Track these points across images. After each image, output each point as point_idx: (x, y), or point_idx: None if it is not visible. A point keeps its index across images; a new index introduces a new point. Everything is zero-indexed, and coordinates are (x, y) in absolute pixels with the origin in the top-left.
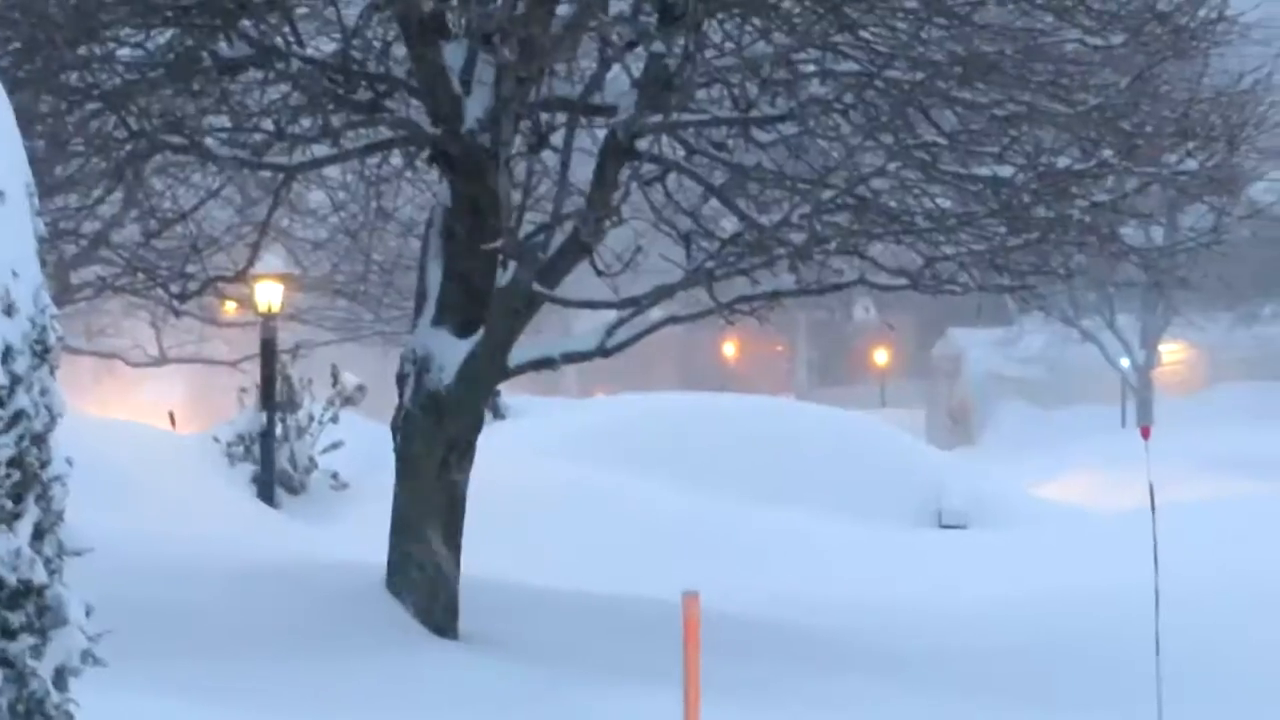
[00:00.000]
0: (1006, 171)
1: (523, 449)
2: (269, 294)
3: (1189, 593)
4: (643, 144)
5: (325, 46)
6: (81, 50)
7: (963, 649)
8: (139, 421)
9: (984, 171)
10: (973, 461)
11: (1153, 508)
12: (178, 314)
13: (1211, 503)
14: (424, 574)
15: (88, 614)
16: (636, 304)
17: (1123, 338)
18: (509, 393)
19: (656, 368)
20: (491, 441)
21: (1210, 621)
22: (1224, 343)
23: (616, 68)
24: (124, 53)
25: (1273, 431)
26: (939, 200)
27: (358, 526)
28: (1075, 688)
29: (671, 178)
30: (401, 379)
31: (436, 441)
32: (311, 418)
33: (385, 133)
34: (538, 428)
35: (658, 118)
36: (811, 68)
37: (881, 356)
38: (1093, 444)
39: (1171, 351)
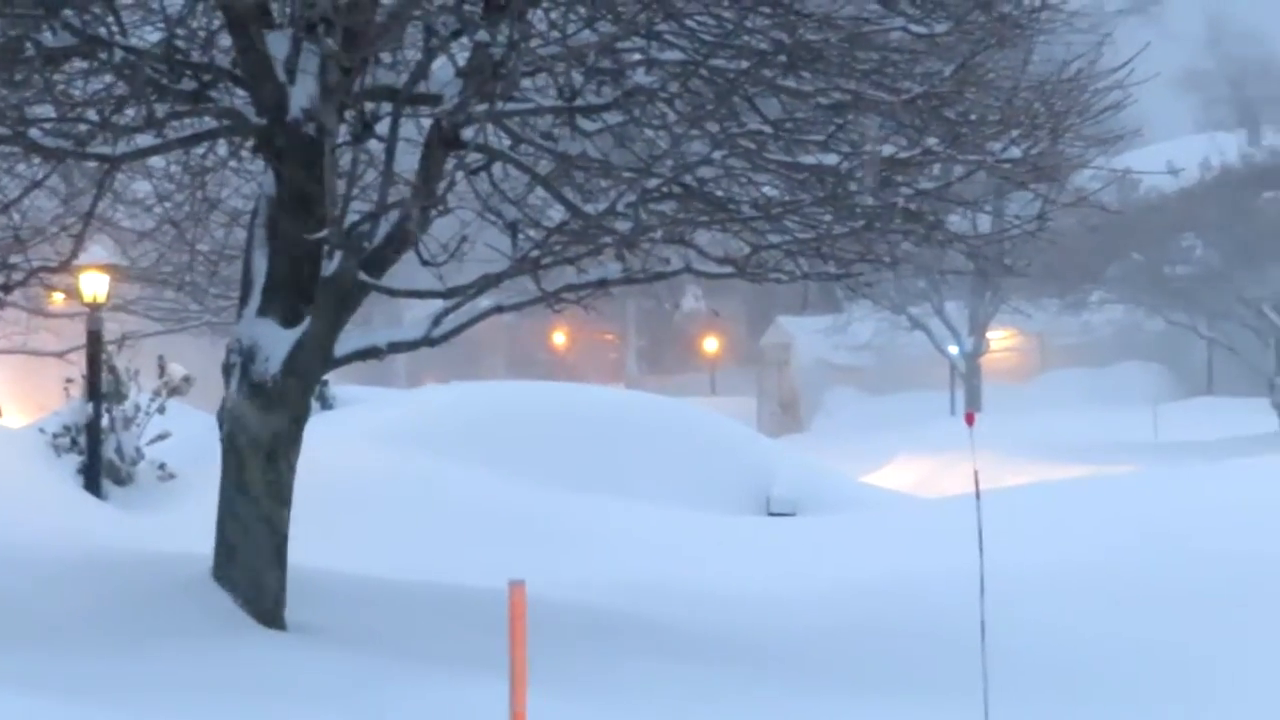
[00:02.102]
0: (832, 159)
1: (350, 438)
2: (94, 285)
3: (1014, 578)
4: (468, 133)
5: (150, 36)
6: None
7: (790, 635)
8: None
9: (809, 160)
10: (802, 449)
11: (977, 494)
12: (2, 305)
13: (1039, 487)
14: (251, 564)
15: None
16: (462, 293)
17: (951, 325)
18: (337, 382)
19: (486, 357)
20: (319, 431)
21: (1035, 606)
22: (1052, 329)
23: (441, 57)
24: None
25: (1100, 417)
26: (765, 188)
27: (185, 517)
28: (901, 673)
29: (497, 167)
30: (228, 369)
31: (263, 431)
32: (138, 408)
33: (210, 122)
34: (366, 417)
35: (483, 107)
36: (637, 56)
37: (711, 345)
38: (922, 431)
39: (1000, 338)
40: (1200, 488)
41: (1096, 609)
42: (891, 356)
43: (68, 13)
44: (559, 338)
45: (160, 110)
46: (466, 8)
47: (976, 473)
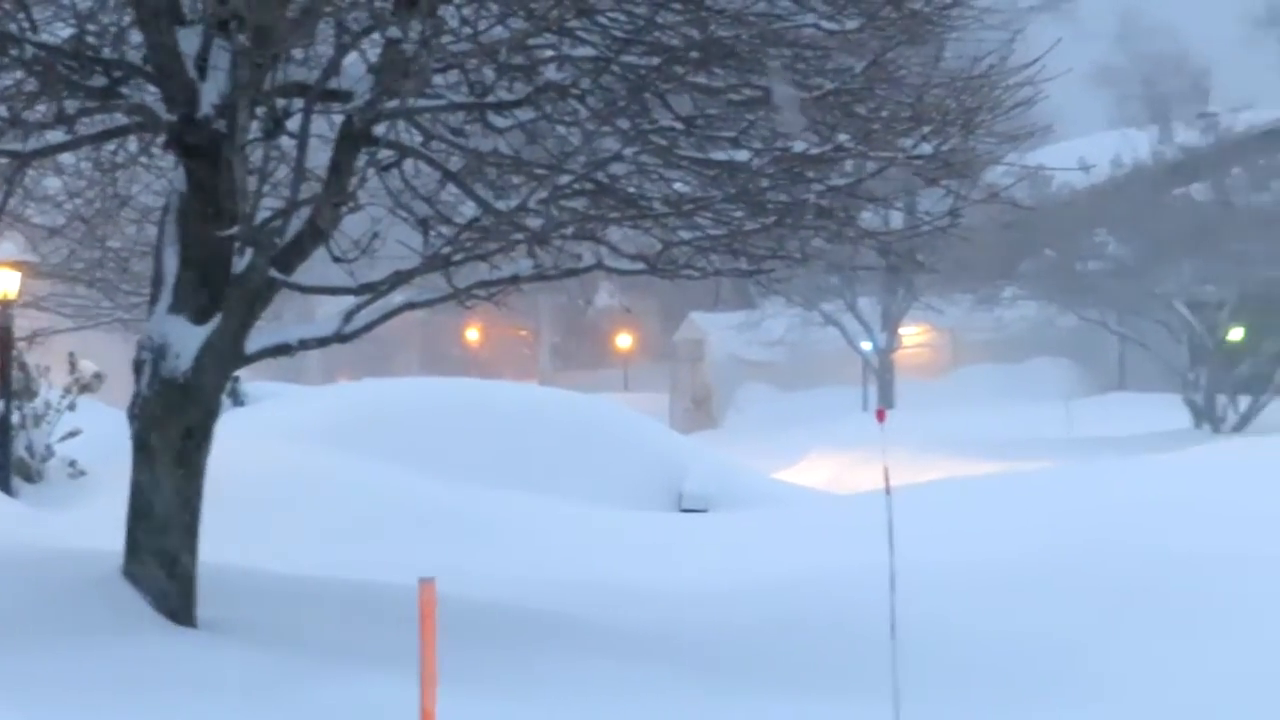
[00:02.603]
0: (743, 156)
1: (262, 435)
2: (5, 281)
3: (926, 574)
4: (379, 130)
5: (60, 32)
6: None
7: (703, 631)
8: None
9: (720, 156)
10: (715, 445)
11: (887, 490)
12: None
13: (951, 483)
14: (161, 561)
15: None
16: (374, 290)
17: (864, 321)
18: (249, 379)
19: (400, 353)
20: (230, 427)
21: (946, 602)
22: (965, 325)
23: (353, 53)
24: None
25: (1013, 412)
26: (677, 185)
27: (96, 514)
28: (812, 669)
29: (409, 163)
30: (138, 366)
31: (174, 428)
32: (49, 405)
33: (121, 119)
34: (278, 414)
35: (394, 103)
36: (548, 53)
37: (625, 341)
38: (835, 427)
39: (913, 335)
40: (1113, 483)
41: (1008, 605)
42: (804, 353)
43: None
44: (472, 334)
45: (71, 106)
46: (378, 4)
47: (886, 469)
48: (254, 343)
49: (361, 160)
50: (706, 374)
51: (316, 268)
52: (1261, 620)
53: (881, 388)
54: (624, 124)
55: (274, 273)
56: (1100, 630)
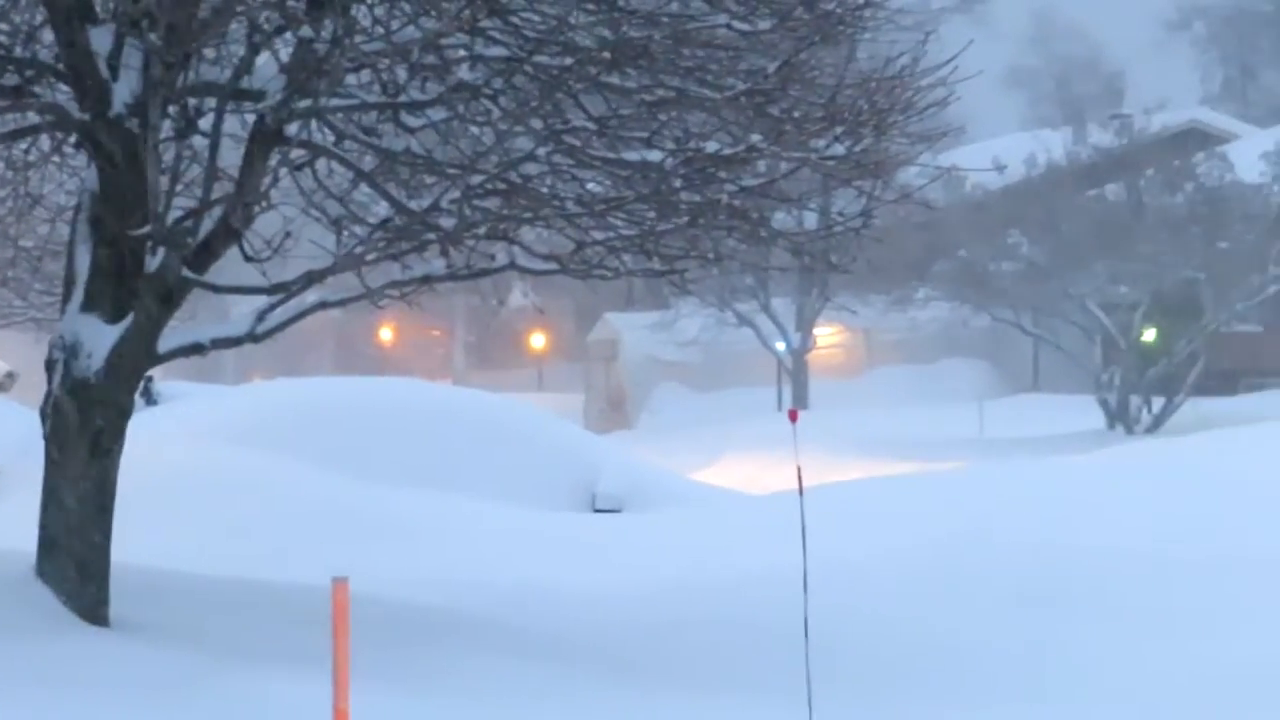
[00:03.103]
0: (655, 156)
1: (175, 435)
2: None
3: (839, 574)
4: (292, 129)
5: None
6: None
7: (617, 631)
8: None
9: (633, 156)
10: (629, 445)
11: (800, 491)
12: None
13: (865, 483)
14: (74, 560)
15: None
16: (286, 289)
17: (778, 321)
18: (163, 378)
19: (314, 353)
20: (144, 427)
21: (860, 602)
22: (879, 326)
23: (265, 53)
24: None
25: (926, 413)
26: (589, 185)
27: (8, 513)
28: (725, 669)
29: (321, 163)
30: (50, 365)
31: (86, 427)
32: None
33: (33, 118)
34: (191, 413)
35: (306, 103)
36: (461, 53)
37: (539, 341)
38: (749, 427)
39: (827, 335)
40: (1025, 484)
41: (922, 605)
42: (719, 353)
43: None
44: (386, 334)
45: None
46: (290, 3)
47: (799, 469)
48: (167, 342)
49: (274, 160)
50: (621, 374)
51: (229, 267)
52: (1171, 619)
53: (796, 388)
54: (537, 124)
55: (186, 272)
56: (1012, 628)
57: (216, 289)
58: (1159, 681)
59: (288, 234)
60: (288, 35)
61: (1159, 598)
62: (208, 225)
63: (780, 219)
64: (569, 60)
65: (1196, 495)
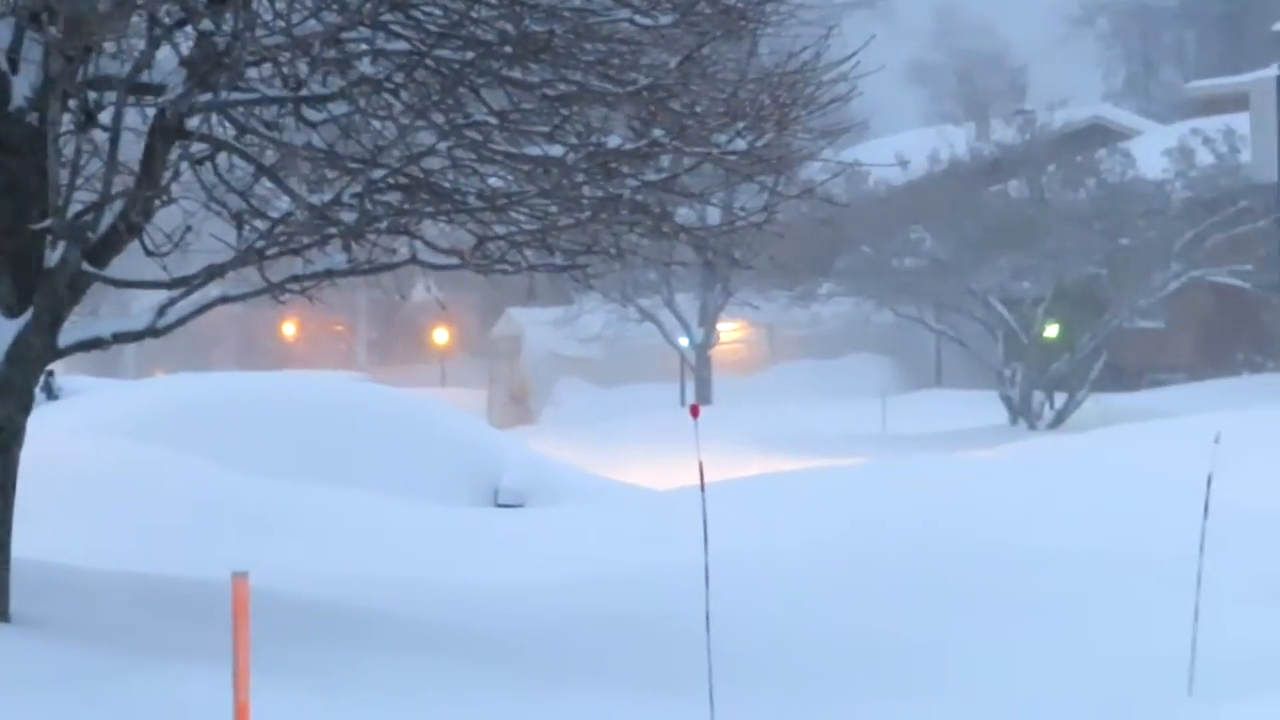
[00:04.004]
0: (557, 151)
1: (76, 429)
2: None
3: (741, 569)
4: (193, 123)
5: None
6: None
7: (519, 626)
8: None
9: (535, 151)
10: (532, 440)
11: (702, 486)
12: None
13: (768, 479)
14: None
15: None
16: (187, 284)
17: (681, 317)
18: (64, 373)
19: (216, 347)
20: (44, 421)
21: (761, 597)
22: (782, 322)
23: (166, 46)
24: None
25: (829, 409)
26: (491, 180)
27: None
28: (627, 665)
29: (222, 157)
30: None
31: None
32: None
33: None
34: (92, 408)
35: (207, 97)
36: (363, 46)
37: (441, 336)
38: (652, 422)
39: (730, 331)
40: (928, 479)
41: (824, 600)
42: (622, 348)
43: None
44: (289, 328)
45: None
46: None
47: (701, 464)
48: (67, 337)
49: (175, 154)
50: (524, 369)
51: (130, 261)
52: (1070, 612)
53: (699, 384)
54: (438, 118)
55: (87, 266)
56: (914, 622)
57: (117, 283)
58: (1059, 673)
59: (189, 228)
60: (188, 29)
61: (1060, 591)
62: (108, 219)
63: (683, 214)
64: (471, 54)
65: (1098, 491)
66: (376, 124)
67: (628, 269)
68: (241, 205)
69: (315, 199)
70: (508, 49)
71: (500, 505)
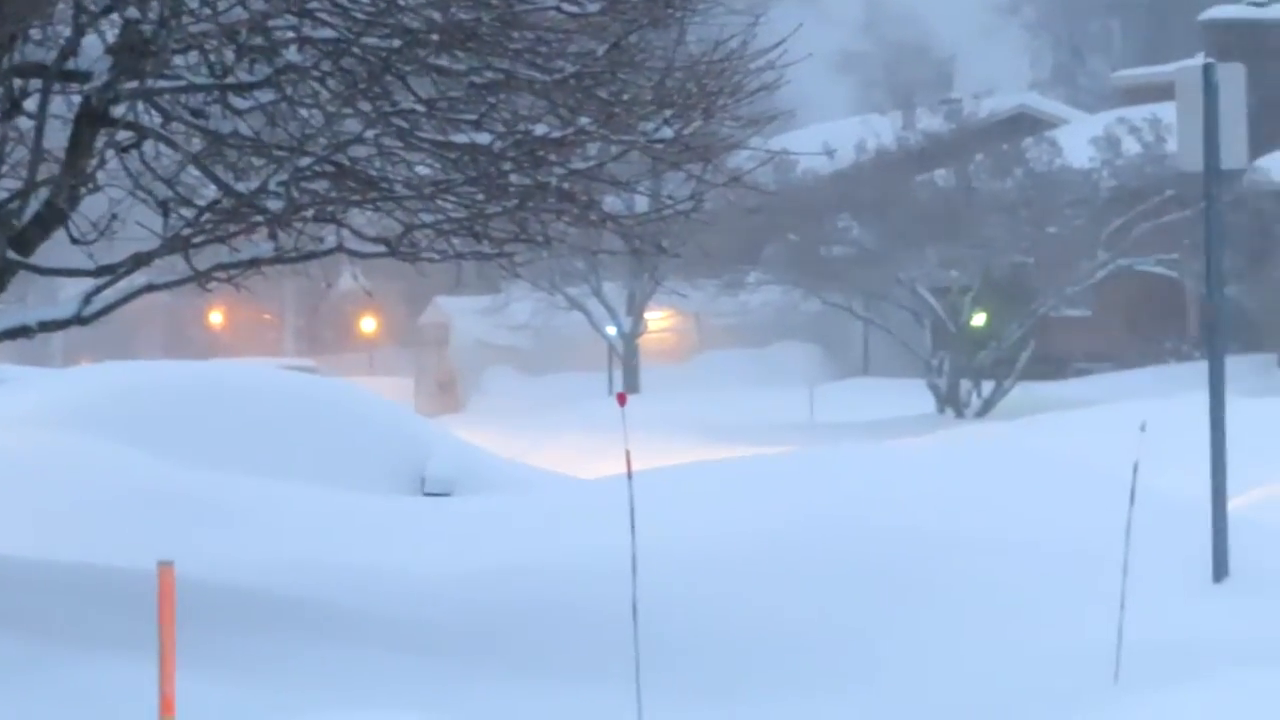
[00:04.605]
0: (484, 139)
1: (2, 418)
2: None
3: (670, 558)
4: (119, 110)
5: None
6: None
7: (447, 614)
8: None
9: (462, 139)
10: (460, 429)
11: (629, 474)
12: None
13: (696, 467)
14: None
15: None
16: (113, 272)
17: (609, 305)
18: None
19: (143, 336)
20: None
21: (689, 585)
22: (710, 310)
23: (91, 33)
24: None
25: (758, 397)
26: (418, 168)
27: None
28: (555, 653)
29: (148, 145)
30: None
31: None
32: None
33: None
34: (17, 396)
35: (133, 84)
36: (289, 34)
37: (370, 324)
38: (580, 411)
39: (658, 319)
40: (856, 467)
41: (753, 588)
42: (550, 337)
43: None
44: (216, 317)
45: None
46: None
47: (628, 453)
48: None
49: (101, 141)
50: (451, 358)
51: (56, 249)
52: (998, 600)
53: (627, 372)
54: (365, 106)
55: (12, 254)
56: (843, 611)
57: (42, 271)
58: (986, 661)
59: (114, 216)
60: (114, 16)
61: (987, 579)
62: (34, 207)
63: (610, 202)
64: (397, 42)
65: (1025, 479)
66: (303, 112)
67: (555, 257)
68: (168, 193)
69: (242, 187)
70: (435, 37)
71: (427, 494)
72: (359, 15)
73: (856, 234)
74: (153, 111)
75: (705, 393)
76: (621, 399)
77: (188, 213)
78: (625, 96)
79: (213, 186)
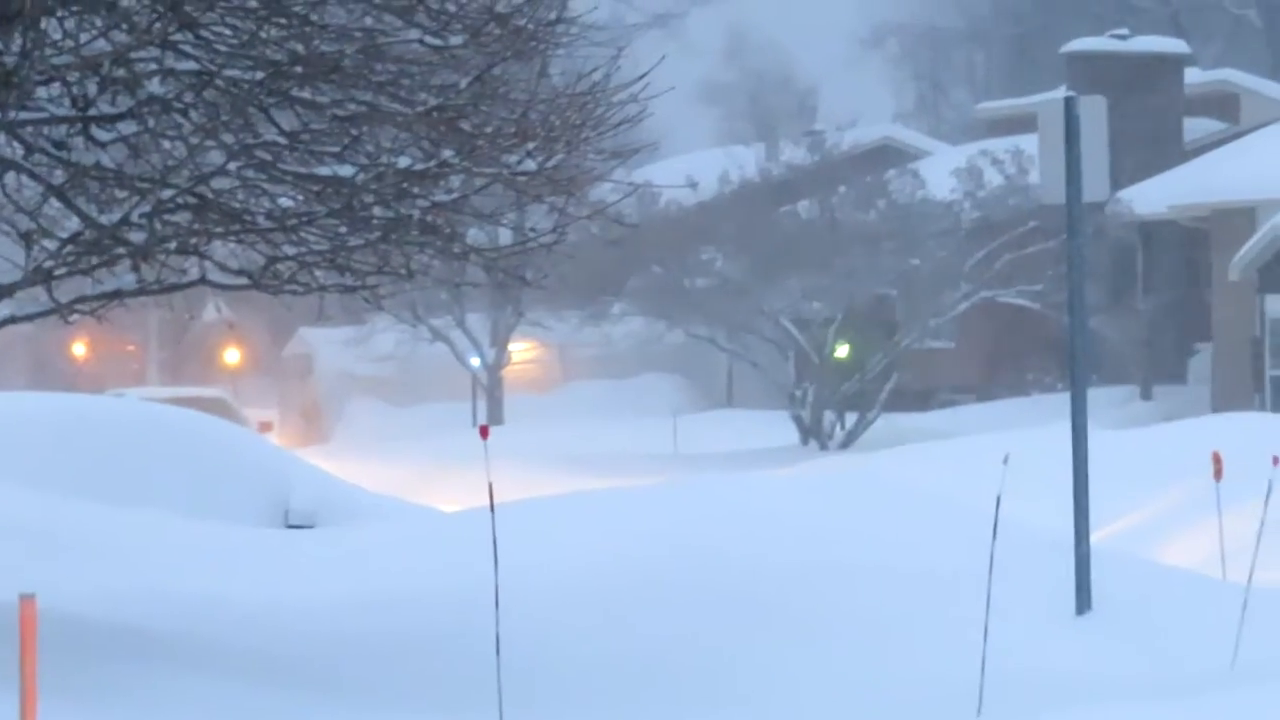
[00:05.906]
0: (347, 171)
1: None
2: None
3: (531, 589)
4: None
5: None
6: None
7: (309, 647)
8: None
9: (325, 171)
10: (324, 460)
11: (491, 507)
12: None
13: (561, 499)
14: None
15: None
16: None
17: (473, 337)
18: None
19: (5, 367)
20: None
21: (552, 617)
22: (574, 341)
23: None
24: None
25: (622, 428)
26: (281, 200)
27: None
28: (417, 686)
29: (10, 176)
30: None
31: None
32: None
33: None
34: None
35: None
36: (152, 66)
37: (233, 356)
38: (444, 442)
39: (522, 350)
40: (720, 498)
41: (616, 618)
42: (414, 368)
43: None
44: (79, 348)
45: None
46: None
47: (490, 485)
48: None
49: None
50: (315, 389)
51: None
52: (859, 628)
53: (491, 404)
54: (228, 138)
55: None
56: (708, 642)
57: None
58: (849, 692)
59: None
60: None
61: (850, 610)
62: None
63: (473, 234)
64: (260, 74)
65: (888, 510)
66: (166, 144)
67: (419, 289)
68: (30, 225)
69: (104, 219)
70: (298, 69)
71: (290, 526)
72: (222, 48)
73: (720, 265)
74: (15, 143)
75: (569, 424)
76: (484, 432)
77: (50, 244)
78: (488, 129)
79: (75, 218)
